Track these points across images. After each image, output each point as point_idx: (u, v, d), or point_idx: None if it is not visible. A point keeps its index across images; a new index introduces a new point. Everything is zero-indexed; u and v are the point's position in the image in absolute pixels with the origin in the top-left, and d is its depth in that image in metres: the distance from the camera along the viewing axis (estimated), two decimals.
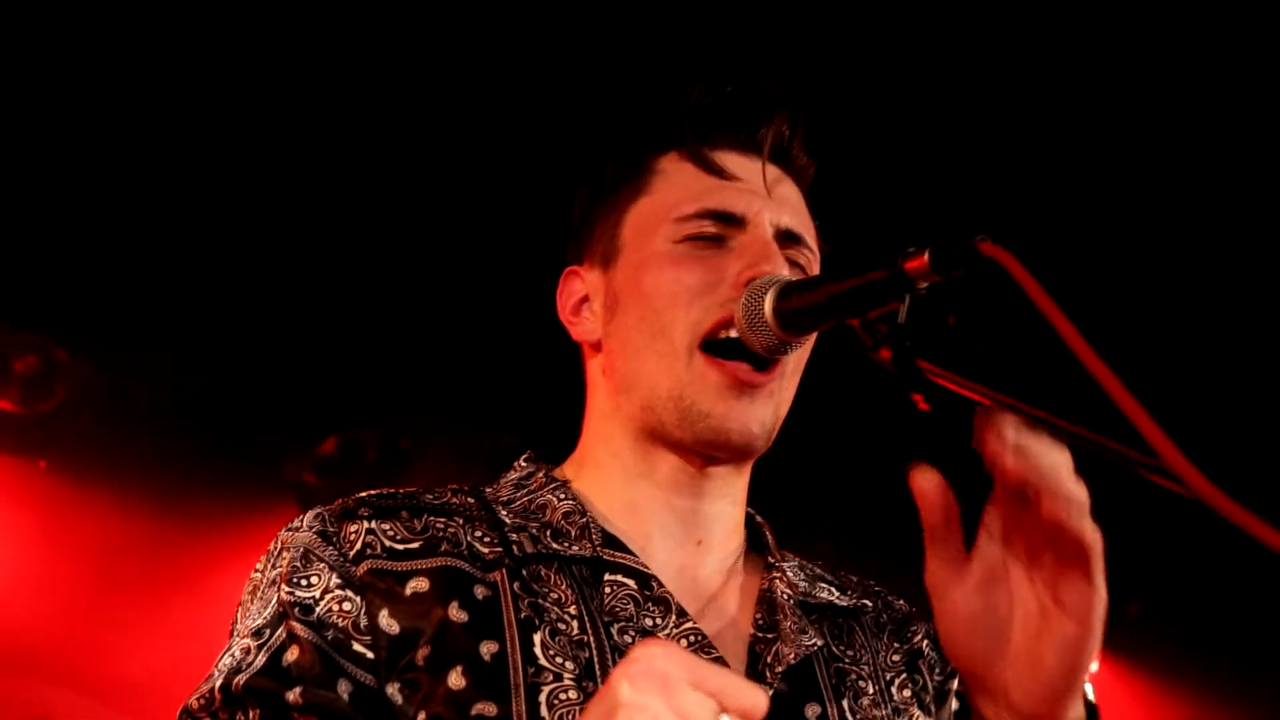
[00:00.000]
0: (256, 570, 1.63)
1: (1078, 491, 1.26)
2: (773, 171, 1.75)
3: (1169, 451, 1.06)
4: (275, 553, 1.60)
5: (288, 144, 4.52)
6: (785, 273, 1.64)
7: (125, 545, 5.02)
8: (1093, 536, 1.27)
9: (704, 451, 1.66)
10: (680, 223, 1.69)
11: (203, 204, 4.59)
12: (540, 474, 1.74)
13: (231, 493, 5.17)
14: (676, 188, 1.73)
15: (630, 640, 1.54)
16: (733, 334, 1.62)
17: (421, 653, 1.49)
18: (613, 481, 1.71)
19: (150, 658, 5.18)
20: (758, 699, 1.23)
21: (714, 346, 1.63)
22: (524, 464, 1.78)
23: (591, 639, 1.54)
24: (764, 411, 1.65)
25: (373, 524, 1.58)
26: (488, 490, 1.72)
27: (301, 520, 1.61)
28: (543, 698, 1.47)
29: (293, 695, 1.47)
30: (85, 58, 4.32)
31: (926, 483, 1.32)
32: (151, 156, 4.56)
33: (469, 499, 1.68)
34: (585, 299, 1.79)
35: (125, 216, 4.56)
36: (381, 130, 4.50)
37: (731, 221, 1.69)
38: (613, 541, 1.64)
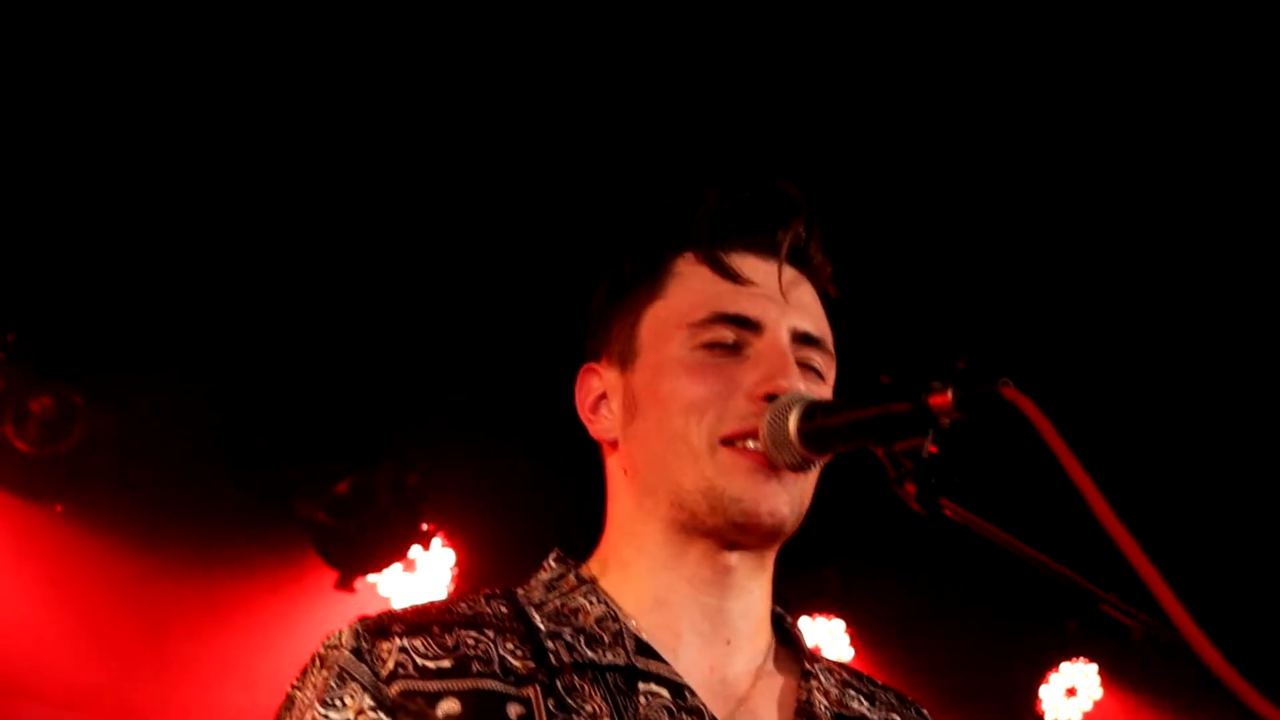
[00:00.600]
0: (294, 686, 1.67)
1: None
2: (789, 273, 1.77)
3: (1181, 619, 1.10)
4: (315, 668, 1.64)
5: (307, 185, 4.58)
6: (800, 385, 1.67)
7: (140, 587, 5.08)
8: None
9: (735, 537, 1.69)
10: (695, 328, 1.72)
11: (217, 247, 4.65)
12: (571, 575, 1.77)
13: (245, 532, 5.23)
14: (692, 292, 1.75)
15: None
16: (752, 445, 1.65)
17: None
18: (640, 579, 1.73)
19: (165, 698, 5.25)
20: None
21: (734, 444, 1.67)
22: (554, 564, 1.81)
23: None
24: (792, 493, 1.68)
25: (404, 641, 1.62)
26: (520, 592, 1.75)
27: (340, 637, 1.65)
28: None
29: None
30: (111, 95, 4.39)
31: None
32: (165, 194, 4.62)
33: (502, 606, 1.72)
34: (603, 396, 1.82)
35: (139, 259, 4.62)
36: (402, 176, 4.58)
37: (747, 326, 1.71)
38: (645, 649, 1.66)
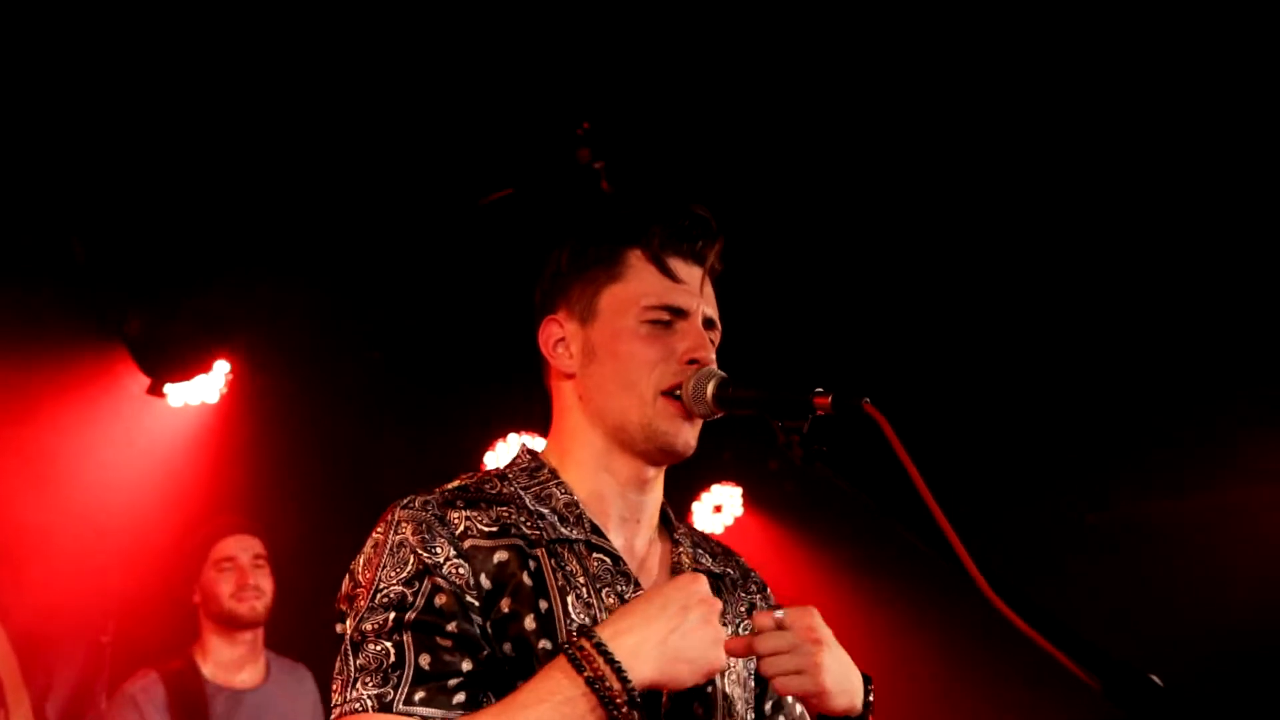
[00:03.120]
0: (378, 532, 2.36)
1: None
2: (701, 275, 2.58)
3: (983, 585, 2.03)
4: (394, 522, 2.34)
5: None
6: (711, 354, 2.50)
7: None
8: (793, 686, 2.34)
9: (657, 458, 2.50)
10: (646, 309, 2.49)
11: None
12: (545, 469, 2.52)
13: (67, 341, 5.77)
14: (644, 283, 2.51)
15: (612, 603, 2.36)
16: (678, 393, 2.45)
17: (504, 602, 2.29)
18: (589, 477, 2.50)
19: None
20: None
21: (669, 395, 2.47)
22: (527, 457, 2.56)
23: (595, 600, 2.36)
24: (695, 431, 2.51)
25: (468, 512, 2.36)
26: (511, 477, 2.50)
27: (414, 502, 2.36)
28: None
29: (450, 626, 2.24)
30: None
31: (734, 649, 2.35)
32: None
33: (508, 488, 2.46)
34: (562, 340, 2.56)
35: None
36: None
37: (678, 313, 2.51)
38: (596, 529, 2.45)
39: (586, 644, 2.19)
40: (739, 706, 2.53)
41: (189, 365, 5.85)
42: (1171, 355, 6.69)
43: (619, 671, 2.16)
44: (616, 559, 2.46)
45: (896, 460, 2.18)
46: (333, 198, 5.63)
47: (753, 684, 2.62)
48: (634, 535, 2.56)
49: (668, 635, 2.20)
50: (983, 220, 5.98)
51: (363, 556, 2.39)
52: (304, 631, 5.29)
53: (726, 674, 2.51)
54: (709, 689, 2.45)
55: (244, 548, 5.51)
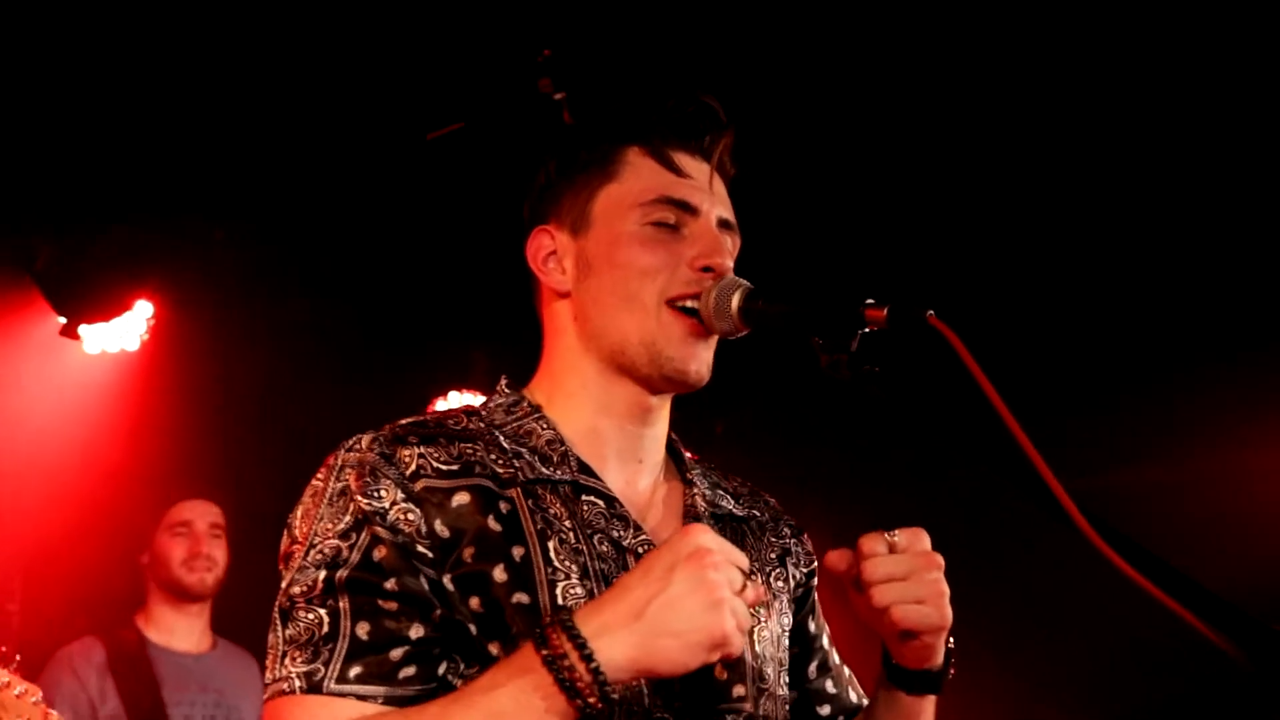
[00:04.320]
0: (318, 479, 2.02)
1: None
2: (711, 172, 2.24)
3: (1066, 501, 1.68)
4: (337, 467, 2.00)
5: None
6: (729, 261, 2.16)
7: None
8: (914, 618, 2.00)
9: (662, 386, 2.16)
10: (645, 208, 2.15)
11: None
12: (524, 403, 2.19)
13: None
14: (642, 178, 2.19)
15: (606, 549, 2.03)
16: (690, 305, 2.11)
17: (467, 552, 1.94)
18: (581, 410, 2.17)
19: None
20: (746, 561, 1.87)
21: (677, 308, 2.12)
22: (507, 390, 2.22)
23: (585, 547, 2.02)
24: (710, 354, 2.16)
25: (421, 449, 2.01)
26: (484, 414, 2.17)
27: (360, 442, 2.02)
28: (559, 590, 1.95)
29: (389, 584, 1.90)
30: None
31: (836, 563, 2.03)
32: None
33: (479, 423, 2.13)
34: (553, 253, 2.23)
35: None
36: None
37: (686, 209, 2.17)
38: (585, 468, 2.11)
39: (555, 619, 1.81)
40: (770, 671, 2.19)
41: (106, 304, 5.42)
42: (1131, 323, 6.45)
43: (582, 650, 1.77)
44: (611, 500, 2.11)
45: (963, 384, 1.81)
46: (267, 126, 5.21)
47: (787, 643, 2.29)
48: (636, 476, 2.21)
49: (645, 606, 1.79)
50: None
51: (300, 507, 2.05)
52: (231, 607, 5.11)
53: (756, 634, 2.17)
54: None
55: (202, 514, 5.24)
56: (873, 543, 2.02)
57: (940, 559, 2.03)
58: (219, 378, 6.15)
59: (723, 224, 2.22)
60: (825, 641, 2.42)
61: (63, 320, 5.49)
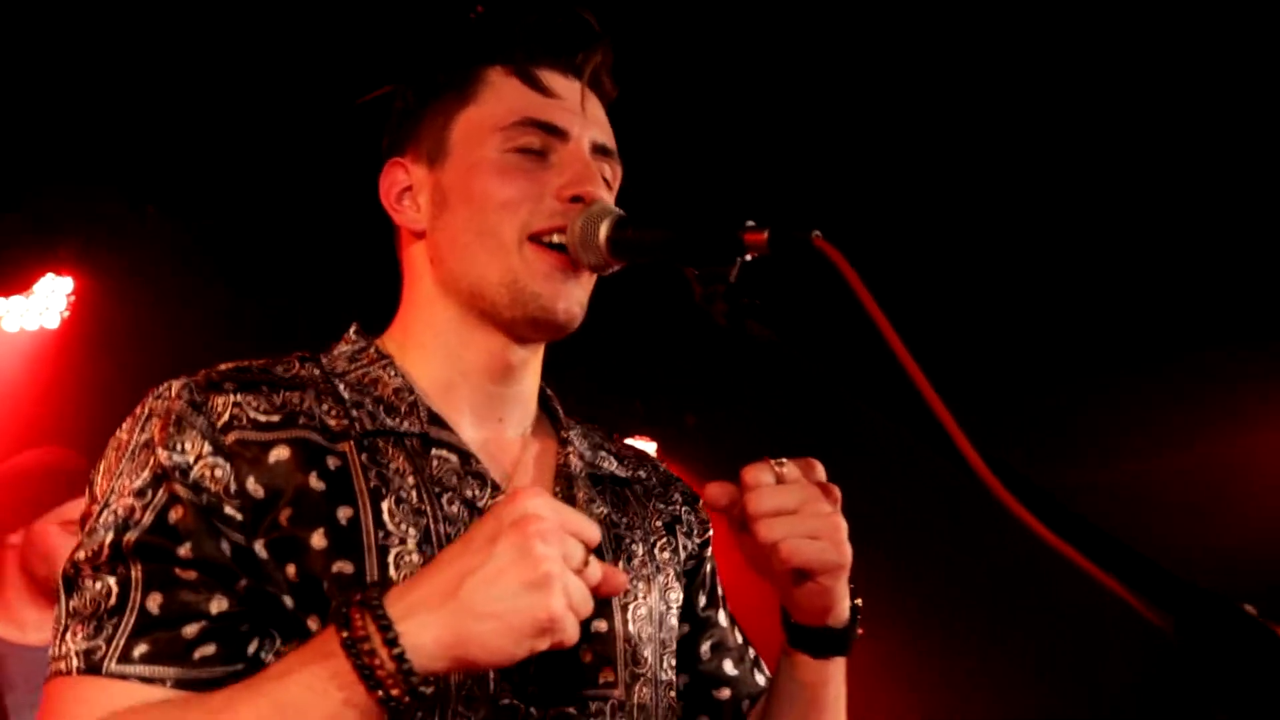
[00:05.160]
0: (122, 431, 1.77)
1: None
2: (587, 92, 1.99)
3: (959, 438, 1.42)
4: (143, 417, 1.74)
5: None
6: (603, 192, 1.90)
7: None
8: (807, 553, 1.74)
9: (527, 331, 1.90)
10: (507, 132, 1.91)
11: None
12: (371, 349, 1.94)
13: None
14: (504, 100, 1.94)
15: (456, 510, 1.78)
16: (557, 239, 1.86)
17: (284, 514, 1.68)
18: (434, 362, 1.92)
19: None
20: (597, 533, 1.59)
21: (541, 243, 1.87)
22: (354, 336, 1.98)
23: (428, 508, 1.76)
24: (583, 293, 1.91)
25: (238, 397, 1.75)
26: (324, 360, 1.91)
27: (169, 388, 1.75)
28: (390, 558, 1.70)
29: (183, 550, 1.64)
30: None
31: (717, 496, 1.77)
32: None
33: (314, 370, 1.88)
34: (408, 189, 1.98)
35: None
36: None
37: (554, 133, 1.92)
38: (436, 420, 1.86)
39: (361, 596, 1.55)
40: (647, 653, 1.92)
41: (12, 276, 5.12)
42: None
43: (386, 632, 1.50)
44: (467, 456, 1.85)
45: (854, 312, 1.55)
46: (187, 90, 4.94)
47: (674, 622, 2.02)
48: (498, 432, 1.96)
49: (460, 582, 1.52)
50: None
51: (102, 463, 1.79)
52: None
53: (630, 610, 1.91)
54: (601, 627, 1.86)
55: None
56: (757, 473, 1.76)
57: (836, 491, 1.78)
58: (137, 357, 5.89)
59: (598, 150, 1.97)
60: (722, 619, 2.16)
61: None
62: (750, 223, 1.68)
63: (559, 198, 1.88)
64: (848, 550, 1.77)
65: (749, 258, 1.70)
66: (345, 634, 1.51)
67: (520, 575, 1.50)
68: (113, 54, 4.84)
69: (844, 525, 1.77)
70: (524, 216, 1.87)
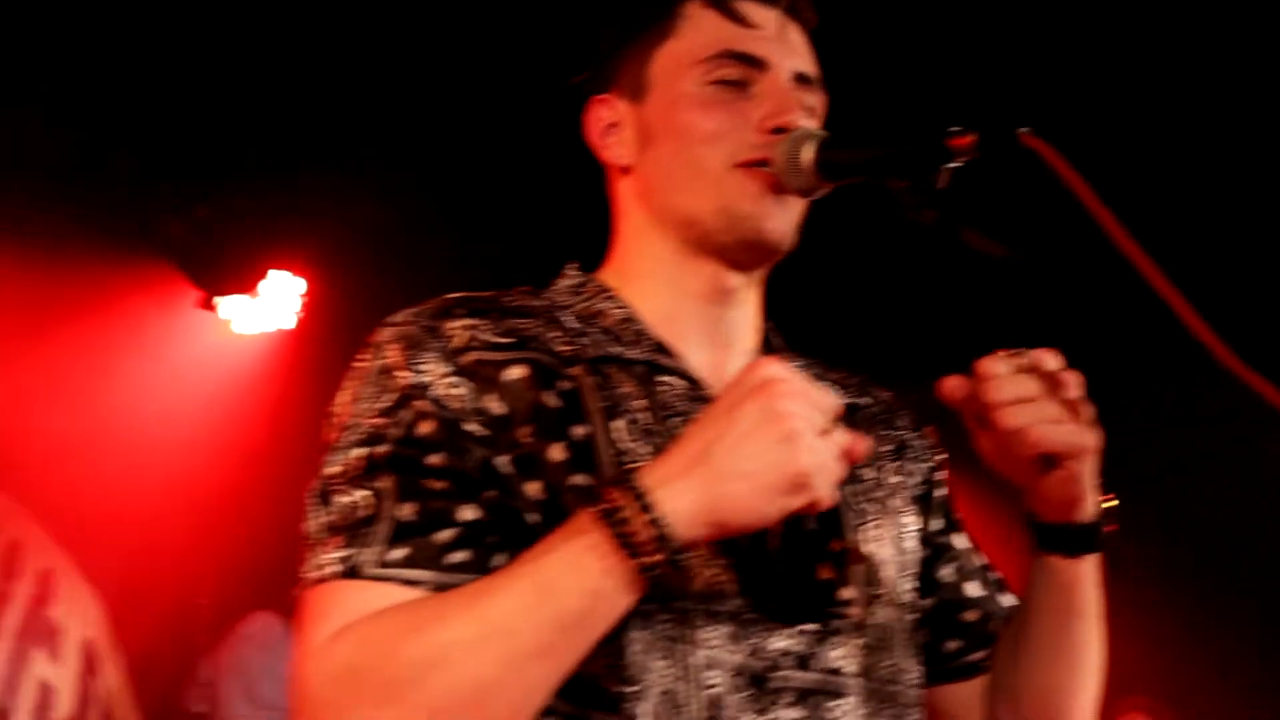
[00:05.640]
0: (360, 361, 1.81)
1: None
2: (786, 20, 1.98)
3: (1204, 332, 1.37)
4: (380, 344, 1.79)
5: None
6: (805, 120, 1.89)
7: (16, 300, 5.18)
8: (1056, 436, 1.69)
9: (741, 254, 1.90)
10: (706, 64, 1.91)
11: None
12: (592, 283, 1.97)
13: (111, 250, 5.31)
14: (702, 32, 1.94)
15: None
16: (764, 170, 1.86)
17: (523, 431, 1.72)
18: (655, 292, 1.94)
19: (14, 405, 5.38)
20: (836, 402, 1.61)
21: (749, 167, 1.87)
22: (573, 272, 2.01)
23: (660, 428, 1.78)
24: (792, 216, 1.90)
25: (469, 320, 1.79)
26: (546, 295, 1.96)
27: (400, 316, 1.81)
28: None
29: (432, 460, 1.68)
30: None
31: (954, 389, 1.71)
32: None
33: (539, 301, 1.92)
34: (613, 125, 2.00)
35: None
36: None
37: (753, 64, 1.91)
38: (661, 348, 1.88)
39: (613, 477, 1.60)
40: (887, 574, 1.91)
41: (243, 276, 5.33)
42: None
43: (640, 500, 1.53)
44: (694, 383, 1.87)
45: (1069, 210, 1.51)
46: (417, 75, 5.02)
47: (912, 545, 2.00)
48: (723, 361, 1.94)
49: (708, 449, 1.55)
50: None
51: (342, 393, 1.83)
52: None
53: (866, 531, 1.90)
54: (837, 547, 1.85)
55: None
56: (993, 363, 1.71)
57: (1079, 376, 1.71)
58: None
59: (799, 78, 1.95)
60: (961, 542, 2.13)
61: (199, 292, 5.49)
62: (955, 128, 1.66)
63: (761, 129, 1.88)
64: (1096, 433, 1.72)
65: (957, 164, 1.67)
66: (600, 507, 1.54)
67: (767, 435, 1.54)
68: (323, 49, 4.96)
69: (1090, 408, 1.72)
70: (728, 149, 1.88)
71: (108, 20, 4.68)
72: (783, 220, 1.88)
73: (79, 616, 5.90)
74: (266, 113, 5.05)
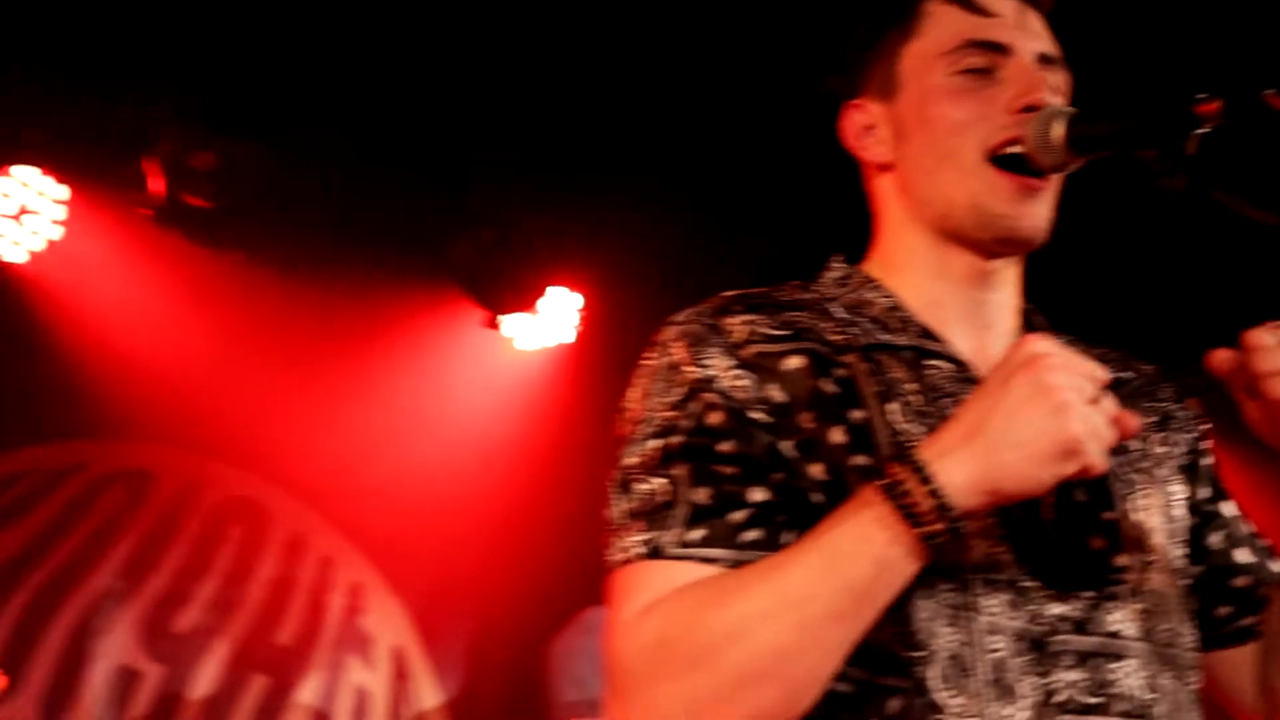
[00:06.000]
0: (647, 359, 1.95)
1: None
2: (1023, 7, 2.05)
3: None
4: (666, 343, 1.92)
5: None
6: (1052, 99, 1.95)
7: (306, 335, 5.62)
8: None
9: (997, 249, 1.98)
10: (951, 56, 1.99)
11: None
12: (858, 275, 2.07)
13: (399, 275, 5.67)
14: (945, 27, 2.02)
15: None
16: (1016, 150, 1.92)
17: (805, 416, 1.82)
18: (917, 281, 2.02)
19: (319, 428, 5.77)
20: (1103, 372, 1.70)
21: (1000, 160, 1.94)
22: (839, 264, 2.11)
23: (931, 409, 1.86)
24: (1045, 210, 1.97)
25: (747, 316, 1.91)
26: (814, 288, 2.06)
27: (683, 315, 1.94)
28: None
29: (723, 447, 1.80)
30: None
31: (1222, 361, 1.80)
32: None
33: (808, 295, 2.02)
34: (869, 127, 2.10)
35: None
36: None
37: (996, 50, 1.98)
38: (927, 334, 1.96)
39: (894, 453, 1.73)
40: (1157, 541, 1.95)
41: (523, 294, 5.61)
42: None
43: (920, 473, 1.64)
44: (960, 365, 1.95)
45: None
46: (677, 92, 5.16)
47: (1180, 512, 2.05)
48: (986, 342, 2.02)
49: (982, 423, 1.65)
50: None
51: (632, 390, 1.98)
52: None
53: (1134, 500, 1.96)
54: (1109, 516, 1.90)
55: None
56: (1261, 334, 1.77)
57: None
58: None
59: (1042, 59, 2.02)
60: (1230, 510, 2.15)
61: (484, 312, 5.76)
62: (1202, 94, 1.70)
63: (1010, 110, 1.94)
64: None
65: (1205, 129, 1.71)
66: (883, 482, 1.65)
67: (1038, 406, 1.63)
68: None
69: None
70: (980, 134, 1.95)
71: (392, 57, 4.98)
72: (1035, 216, 1.95)
73: (388, 626, 6.23)
74: (539, 138, 5.26)
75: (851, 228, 2.25)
